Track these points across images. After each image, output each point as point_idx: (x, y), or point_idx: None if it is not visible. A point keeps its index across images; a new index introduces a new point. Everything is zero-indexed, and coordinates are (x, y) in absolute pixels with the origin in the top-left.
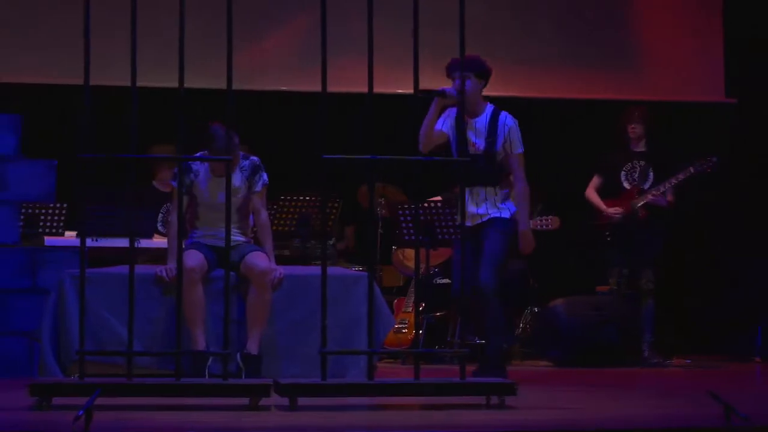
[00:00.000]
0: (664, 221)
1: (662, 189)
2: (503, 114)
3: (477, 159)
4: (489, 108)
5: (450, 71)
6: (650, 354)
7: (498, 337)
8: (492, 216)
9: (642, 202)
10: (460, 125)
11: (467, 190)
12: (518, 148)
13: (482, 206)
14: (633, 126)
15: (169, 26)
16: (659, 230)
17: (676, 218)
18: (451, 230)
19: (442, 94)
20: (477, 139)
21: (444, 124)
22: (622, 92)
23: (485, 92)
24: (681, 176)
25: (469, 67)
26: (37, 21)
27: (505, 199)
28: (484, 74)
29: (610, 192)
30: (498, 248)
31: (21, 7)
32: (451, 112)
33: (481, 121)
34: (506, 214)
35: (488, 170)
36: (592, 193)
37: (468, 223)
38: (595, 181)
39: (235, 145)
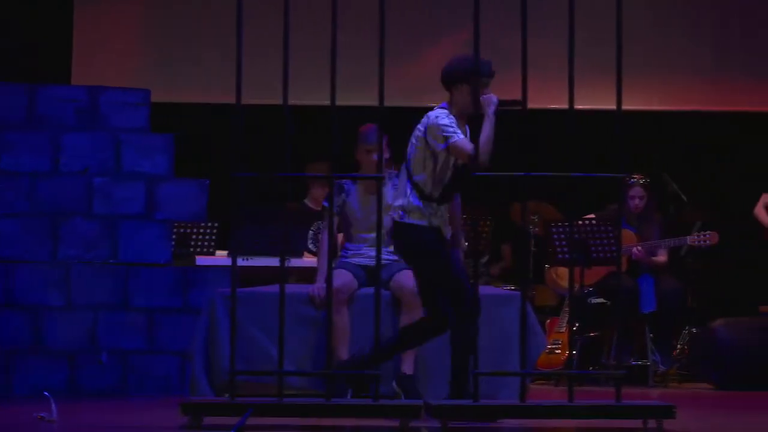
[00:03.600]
0: None
1: None
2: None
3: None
4: None
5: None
6: None
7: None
8: None
9: None
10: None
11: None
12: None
13: None
14: None
15: (323, 44)
16: None
17: None
18: (607, 248)
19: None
20: None
21: None
22: None
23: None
24: None
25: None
26: (190, 40)
27: None
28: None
29: None
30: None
31: (173, 28)
32: None
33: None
34: None
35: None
36: (759, 210)
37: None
38: (764, 198)
39: (386, 161)
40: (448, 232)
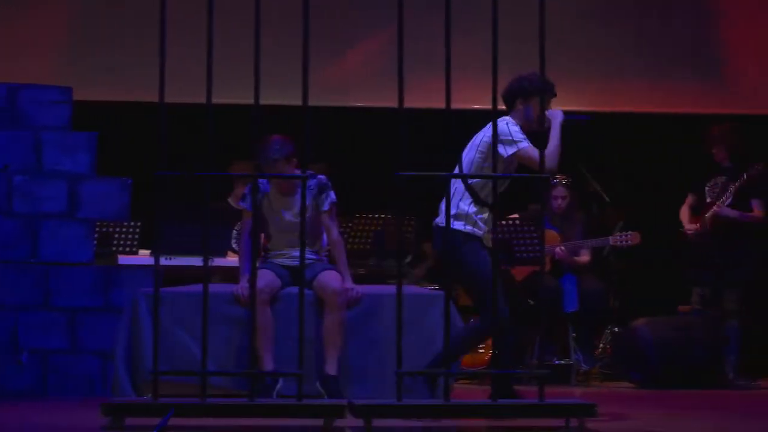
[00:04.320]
0: (747, 237)
1: (726, 200)
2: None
3: None
4: None
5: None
6: (735, 376)
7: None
8: None
9: (711, 215)
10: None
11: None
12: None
13: None
14: (716, 149)
15: (247, 43)
16: (742, 248)
17: (764, 233)
18: (530, 248)
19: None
20: None
21: None
22: (708, 106)
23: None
24: (735, 187)
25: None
26: (113, 38)
27: None
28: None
29: (699, 209)
30: None
31: (97, 26)
32: None
33: None
34: None
35: None
36: (682, 212)
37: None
38: (689, 199)
39: (282, 159)
40: (488, 237)
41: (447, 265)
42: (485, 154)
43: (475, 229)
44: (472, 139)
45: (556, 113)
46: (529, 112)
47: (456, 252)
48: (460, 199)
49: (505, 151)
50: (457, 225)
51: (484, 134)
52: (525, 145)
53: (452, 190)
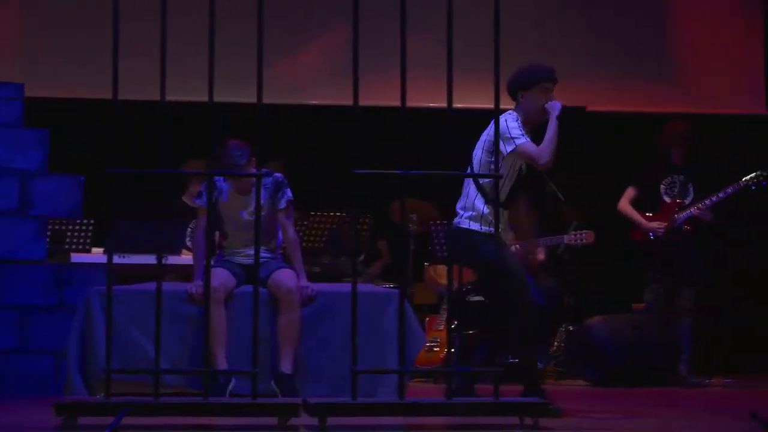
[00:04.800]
0: (706, 238)
1: (708, 203)
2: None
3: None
4: None
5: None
6: (689, 373)
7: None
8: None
9: (686, 217)
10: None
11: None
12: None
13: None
14: (673, 147)
15: (201, 40)
16: (701, 247)
17: (718, 235)
18: None
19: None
20: None
21: None
22: (662, 104)
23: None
24: (730, 190)
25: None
26: (66, 35)
27: None
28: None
29: (647, 206)
30: None
31: (50, 22)
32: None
33: None
34: None
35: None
36: (627, 206)
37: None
38: (630, 193)
39: (246, 163)
40: (508, 236)
41: (463, 263)
42: (490, 153)
43: (491, 228)
44: (480, 137)
45: (554, 105)
46: (527, 104)
47: (476, 251)
48: (475, 199)
49: (504, 148)
50: (474, 226)
51: (488, 132)
52: (522, 141)
53: (467, 191)
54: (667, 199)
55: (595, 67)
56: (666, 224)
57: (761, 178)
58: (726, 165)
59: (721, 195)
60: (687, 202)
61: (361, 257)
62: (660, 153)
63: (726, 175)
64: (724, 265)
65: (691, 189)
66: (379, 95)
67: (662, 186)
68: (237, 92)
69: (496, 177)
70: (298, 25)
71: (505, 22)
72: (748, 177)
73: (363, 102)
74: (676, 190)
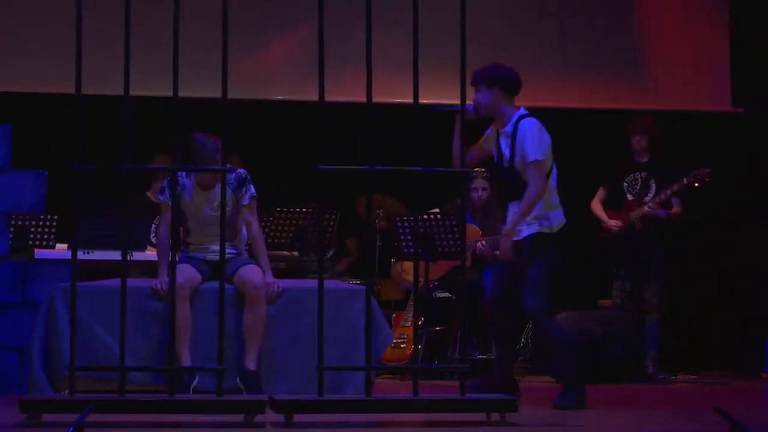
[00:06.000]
0: (667, 234)
1: (657, 200)
2: (524, 120)
3: (504, 171)
4: (515, 116)
5: (471, 83)
6: (655, 370)
7: (570, 356)
8: (525, 234)
9: (639, 214)
10: (461, 138)
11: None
12: (531, 156)
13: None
14: (638, 138)
15: (166, 34)
16: (661, 243)
17: (682, 231)
18: (451, 243)
19: (449, 111)
20: (506, 150)
21: (486, 139)
22: (627, 101)
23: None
24: (675, 187)
25: (479, 79)
26: (28, 29)
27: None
28: (500, 83)
29: (614, 204)
30: (539, 270)
31: (11, 16)
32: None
33: (508, 130)
34: (535, 229)
35: (512, 183)
36: (596, 205)
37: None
38: (600, 192)
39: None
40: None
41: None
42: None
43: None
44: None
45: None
46: (488, 100)
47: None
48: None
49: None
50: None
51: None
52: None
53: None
54: (629, 197)
55: (559, 64)
56: (622, 222)
57: (700, 175)
58: (690, 162)
59: (667, 192)
60: (648, 198)
61: (329, 254)
62: (624, 150)
63: (684, 172)
64: (690, 260)
65: (653, 186)
66: (346, 91)
67: (625, 183)
68: (202, 87)
69: (464, 172)
70: (264, 20)
71: (471, 19)
72: (690, 175)
73: (329, 98)
74: (637, 187)
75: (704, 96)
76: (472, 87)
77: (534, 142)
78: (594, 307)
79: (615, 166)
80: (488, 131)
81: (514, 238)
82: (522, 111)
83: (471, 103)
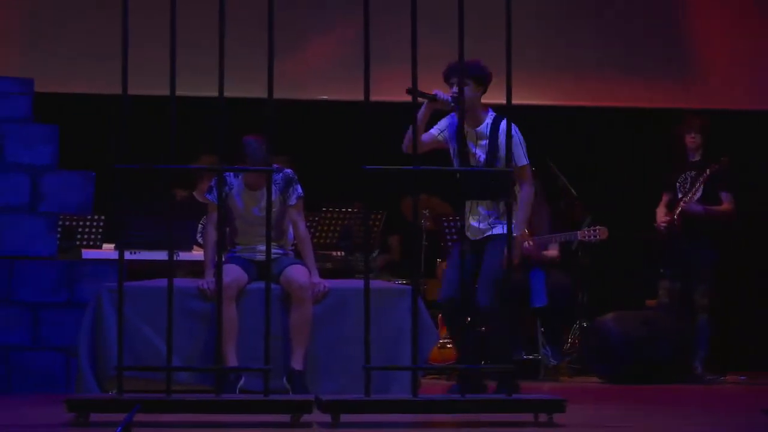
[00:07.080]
0: (713, 232)
1: (690, 196)
2: (503, 122)
3: (474, 171)
4: (490, 116)
5: (447, 76)
6: (703, 371)
7: (505, 357)
8: (492, 233)
9: (677, 212)
10: (461, 134)
11: (467, 203)
12: (523, 160)
13: (483, 222)
14: (692, 136)
15: (212, 36)
16: (707, 241)
17: (734, 230)
18: None
19: (433, 98)
20: (478, 150)
21: (443, 131)
22: (677, 101)
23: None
24: (701, 181)
25: (467, 73)
26: (74, 30)
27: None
28: (482, 80)
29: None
30: (495, 266)
31: (58, 17)
32: (452, 120)
33: (482, 130)
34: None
35: (483, 183)
36: (659, 211)
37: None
38: (664, 198)
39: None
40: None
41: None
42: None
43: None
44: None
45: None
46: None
47: None
48: None
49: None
50: None
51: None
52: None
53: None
54: (680, 195)
55: (607, 63)
56: (669, 221)
57: (723, 163)
58: (741, 162)
59: (697, 186)
60: (696, 197)
61: (375, 253)
62: (677, 150)
63: (740, 171)
64: (742, 258)
65: (698, 184)
66: (391, 90)
67: (677, 183)
68: (247, 88)
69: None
70: (307, 21)
71: (513, 18)
72: (711, 166)
73: (374, 97)
74: (687, 186)
75: (754, 95)
76: (450, 81)
77: (521, 146)
78: (641, 307)
79: (671, 167)
80: (443, 122)
81: (480, 237)
82: (491, 111)
83: (449, 94)
